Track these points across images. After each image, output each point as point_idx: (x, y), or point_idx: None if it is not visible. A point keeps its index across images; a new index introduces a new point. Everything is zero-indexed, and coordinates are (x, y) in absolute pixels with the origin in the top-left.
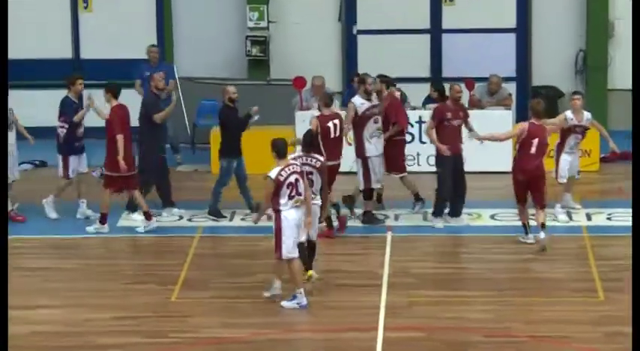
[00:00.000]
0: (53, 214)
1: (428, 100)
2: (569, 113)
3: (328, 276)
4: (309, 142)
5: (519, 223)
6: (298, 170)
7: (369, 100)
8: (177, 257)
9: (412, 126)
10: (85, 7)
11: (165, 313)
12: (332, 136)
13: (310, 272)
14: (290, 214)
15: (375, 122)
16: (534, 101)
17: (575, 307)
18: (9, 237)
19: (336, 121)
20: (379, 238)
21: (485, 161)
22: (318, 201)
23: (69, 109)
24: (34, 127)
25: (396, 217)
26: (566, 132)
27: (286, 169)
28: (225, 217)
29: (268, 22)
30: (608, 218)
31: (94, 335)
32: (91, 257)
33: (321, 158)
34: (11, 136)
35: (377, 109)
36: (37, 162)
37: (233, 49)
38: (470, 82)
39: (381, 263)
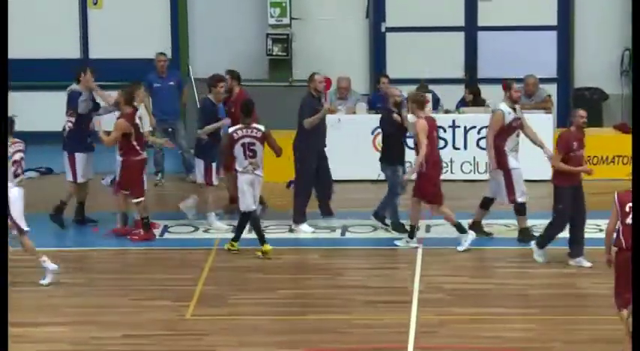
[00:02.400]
0: (219, 225)
1: (462, 103)
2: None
3: (355, 291)
4: (249, 113)
5: (560, 235)
6: (23, 148)
7: (514, 109)
8: (192, 271)
9: (445, 131)
10: (95, 4)
11: (179, 331)
12: (141, 130)
13: (267, 246)
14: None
15: (517, 136)
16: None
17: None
18: (10, 249)
19: (139, 114)
20: (409, 252)
21: (523, 169)
22: (260, 172)
23: (209, 113)
24: (37, 131)
25: (427, 229)
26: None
27: (13, 146)
28: (407, 231)
29: (291, 18)
30: None
31: None
32: (98, 271)
33: (262, 128)
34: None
35: (520, 121)
36: (42, 169)
37: (253, 48)
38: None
39: (411, 278)
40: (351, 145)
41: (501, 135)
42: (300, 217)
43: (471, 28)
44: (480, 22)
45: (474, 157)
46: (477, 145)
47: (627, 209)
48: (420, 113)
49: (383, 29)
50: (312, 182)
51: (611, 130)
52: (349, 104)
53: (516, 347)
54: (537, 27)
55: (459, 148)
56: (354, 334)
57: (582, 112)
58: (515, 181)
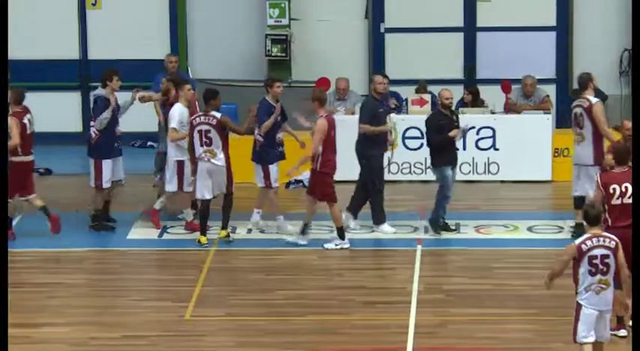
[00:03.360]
0: (291, 228)
1: (461, 103)
2: None
3: (354, 292)
4: (208, 100)
5: (559, 236)
6: None
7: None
8: (191, 272)
9: None
10: (94, 4)
11: (178, 332)
12: (27, 131)
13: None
14: None
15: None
16: None
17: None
18: (10, 250)
19: (29, 116)
20: (408, 252)
21: (522, 169)
22: (219, 161)
23: (268, 113)
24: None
25: (426, 230)
26: None
27: None
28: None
29: (290, 19)
30: None
31: None
32: (97, 272)
33: (218, 115)
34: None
35: None
36: (41, 170)
37: (251, 49)
38: (506, 85)
39: (411, 279)
40: (351, 146)
41: (597, 129)
42: (379, 218)
43: (469, 29)
44: (479, 23)
45: (473, 158)
46: (476, 145)
47: (611, 191)
48: (321, 111)
49: (382, 30)
50: (382, 180)
51: (610, 131)
52: (348, 105)
53: (515, 348)
54: (536, 28)
55: (457, 149)
56: (353, 334)
57: (627, 123)
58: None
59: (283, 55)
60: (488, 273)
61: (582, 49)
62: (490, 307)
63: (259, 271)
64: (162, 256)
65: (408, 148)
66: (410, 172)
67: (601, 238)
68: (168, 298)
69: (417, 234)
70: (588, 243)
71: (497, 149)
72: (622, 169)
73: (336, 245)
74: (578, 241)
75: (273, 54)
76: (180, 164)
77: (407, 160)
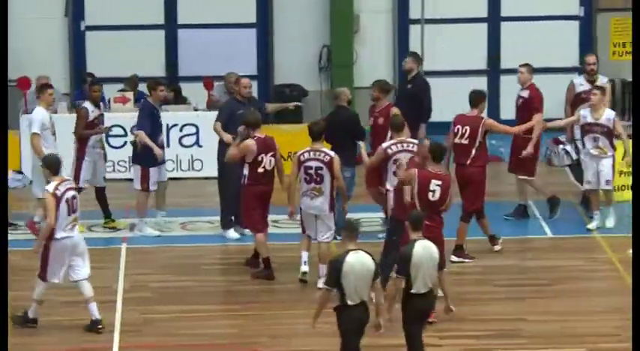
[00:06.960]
0: (153, 231)
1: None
2: (584, 110)
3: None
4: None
5: (275, 231)
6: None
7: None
8: None
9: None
10: None
11: None
12: None
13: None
14: None
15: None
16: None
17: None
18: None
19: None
20: (113, 250)
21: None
22: None
23: (150, 116)
24: None
25: (131, 227)
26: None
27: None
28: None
29: None
30: None
31: None
32: None
33: None
34: None
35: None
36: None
37: None
38: (208, 82)
39: (116, 277)
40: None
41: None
42: (227, 223)
43: (170, 26)
44: (180, 20)
45: (177, 155)
46: (180, 143)
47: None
48: None
49: (82, 28)
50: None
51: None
52: None
53: (222, 344)
54: (237, 25)
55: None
56: (59, 335)
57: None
58: None
59: None
60: (193, 270)
61: (283, 46)
62: (196, 303)
63: None
64: None
65: (111, 146)
66: (114, 170)
67: (317, 153)
68: None
69: (123, 233)
70: (305, 155)
71: (200, 146)
72: (468, 114)
73: None
74: (299, 152)
75: None
76: None
77: (110, 158)
